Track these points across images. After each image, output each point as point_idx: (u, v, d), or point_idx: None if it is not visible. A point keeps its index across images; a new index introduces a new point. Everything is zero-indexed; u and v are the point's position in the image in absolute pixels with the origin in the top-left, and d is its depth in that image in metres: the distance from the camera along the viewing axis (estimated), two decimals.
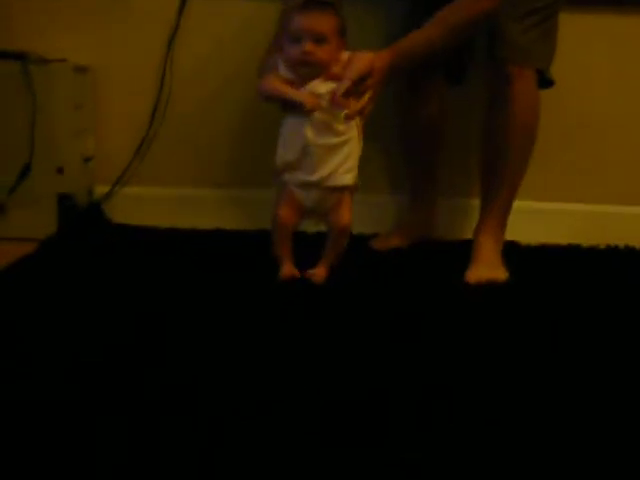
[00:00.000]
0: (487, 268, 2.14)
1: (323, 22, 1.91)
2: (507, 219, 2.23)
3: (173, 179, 2.72)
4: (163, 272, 2.09)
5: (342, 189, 2.00)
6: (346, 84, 1.87)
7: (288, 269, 2.02)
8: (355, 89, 1.89)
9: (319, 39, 1.90)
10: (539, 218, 2.63)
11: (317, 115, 1.93)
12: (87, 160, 2.62)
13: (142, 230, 2.50)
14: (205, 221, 2.59)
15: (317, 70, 1.93)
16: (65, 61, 2.49)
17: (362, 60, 1.89)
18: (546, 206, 2.66)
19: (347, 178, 1.99)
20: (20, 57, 2.40)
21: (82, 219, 2.48)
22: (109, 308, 1.80)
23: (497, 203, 2.20)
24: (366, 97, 1.90)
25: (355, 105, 1.89)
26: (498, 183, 2.19)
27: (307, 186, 1.99)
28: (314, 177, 1.97)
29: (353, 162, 1.99)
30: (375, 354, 1.60)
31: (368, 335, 1.70)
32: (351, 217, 2.04)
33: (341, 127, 1.95)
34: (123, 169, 2.67)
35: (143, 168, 2.69)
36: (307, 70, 1.93)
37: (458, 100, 2.51)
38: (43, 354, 1.54)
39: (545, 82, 2.18)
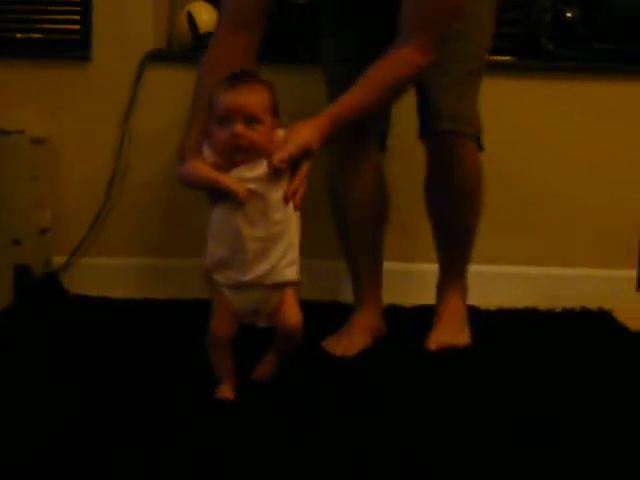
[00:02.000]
0: (449, 332, 2.11)
1: (254, 100, 1.66)
2: (466, 281, 2.23)
3: (130, 249, 2.71)
4: (118, 344, 2.07)
5: (284, 286, 1.72)
6: (283, 155, 1.64)
7: (224, 391, 1.72)
8: (290, 167, 1.68)
9: (251, 119, 1.65)
10: (496, 282, 2.65)
11: (250, 203, 1.66)
12: (44, 231, 2.60)
13: (99, 301, 2.49)
14: (162, 291, 2.58)
15: (251, 155, 1.67)
16: (23, 132, 2.50)
17: (302, 135, 1.67)
18: (503, 269, 2.68)
19: (289, 273, 1.72)
20: None
21: (38, 290, 2.46)
22: (60, 381, 1.79)
23: (455, 266, 2.20)
24: (302, 175, 1.68)
25: (292, 185, 1.67)
26: (453, 249, 2.19)
27: (243, 287, 1.70)
28: (250, 275, 1.69)
29: (294, 253, 1.72)
30: (340, 426, 1.58)
31: (334, 408, 1.68)
32: (300, 314, 1.74)
33: (278, 215, 1.68)
34: (80, 240, 2.66)
35: (100, 239, 2.69)
36: (240, 156, 1.66)
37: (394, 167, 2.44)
38: None
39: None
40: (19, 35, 2.70)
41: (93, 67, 2.65)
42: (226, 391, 1.71)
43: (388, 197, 2.25)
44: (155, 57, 2.63)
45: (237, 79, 1.68)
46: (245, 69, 1.74)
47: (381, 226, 2.24)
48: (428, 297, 2.27)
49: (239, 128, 1.64)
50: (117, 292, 2.56)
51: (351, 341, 2.09)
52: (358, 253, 2.22)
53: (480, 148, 2.10)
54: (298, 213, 1.73)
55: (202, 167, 1.68)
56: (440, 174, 2.10)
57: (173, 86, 2.63)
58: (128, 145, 2.64)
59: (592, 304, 2.52)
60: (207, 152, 1.70)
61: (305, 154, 1.67)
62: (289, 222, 1.71)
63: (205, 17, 2.64)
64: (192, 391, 1.74)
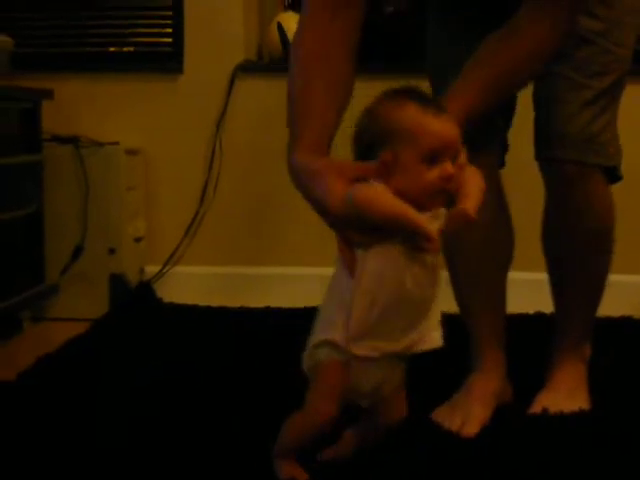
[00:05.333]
0: (563, 396, 1.71)
1: (457, 132, 1.26)
2: (589, 344, 1.80)
3: (222, 258, 2.74)
4: (212, 352, 2.09)
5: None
6: (476, 202, 1.26)
7: (297, 471, 1.37)
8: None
9: (454, 158, 1.25)
10: None
11: (427, 255, 1.27)
12: (138, 240, 2.65)
13: (192, 309, 2.52)
14: (254, 299, 2.60)
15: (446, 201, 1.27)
16: (117, 144, 2.55)
17: (478, 175, 1.29)
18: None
19: (438, 337, 1.33)
20: (73, 141, 2.47)
21: (133, 299, 2.51)
22: (155, 390, 1.80)
23: (577, 327, 1.76)
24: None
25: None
26: (576, 306, 1.75)
27: (382, 359, 1.32)
28: (404, 343, 1.31)
29: (439, 312, 1.35)
30: None
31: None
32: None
33: (439, 269, 1.32)
34: (173, 249, 2.70)
35: (193, 247, 2.73)
36: (438, 202, 1.26)
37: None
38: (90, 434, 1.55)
39: (614, 177, 1.67)
40: (112, 49, 2.77)
41: (185, 79, 2.70)
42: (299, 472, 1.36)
43: (512, 229, 1.77)
44: (246, 68, 2.66)
45: (428, 102, 1.27)
46: (412, 86, 1.32)
47: (505, 270, 1.78)
48: None
49: (452, 168, 1.23)
50: (209, 300, 2.58)
51: (470, 413, 1.64)
52: (475, 305, 1.76)
53: (615, 179, 1.67)
54: None
55: (390, 196, 1.22)
56: (560, 212, 1.69)
57: (263, 97, 2.65)
58: (220, 155, 2.67)
59: (616, 312, 2.43)
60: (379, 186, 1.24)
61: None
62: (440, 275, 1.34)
63: (295, 28, 2.66)
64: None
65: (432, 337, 1.32)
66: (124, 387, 1.82)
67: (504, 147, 1.74)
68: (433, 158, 1.22)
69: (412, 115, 1.23)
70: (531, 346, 2.00)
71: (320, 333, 1.31)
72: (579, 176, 1.61)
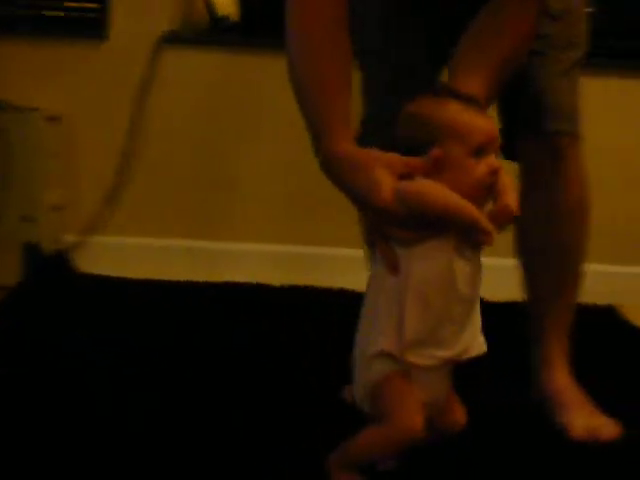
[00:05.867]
0: (586, 414, 1.61)
1: (495, 125, 1.27)
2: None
3: (144, 229, 2.72)
4: (123, 325, 2.08)
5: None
6: (515, 197, 1.24)
7: None
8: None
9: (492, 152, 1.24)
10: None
11: (476, 252, 1.24)
12: (56, 209, 2.61)
13: (108, 280, 2.49)
14: (175, 272, 2.58)
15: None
16: (37, 110, 2.50)
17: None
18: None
19: (483, 342, 1.30)
20: None
21: (46, 268, 2.47)
22: (60, 361, 1.79)
23: (560, 317, 1.70)
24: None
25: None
26: (560, 287, 1.70)
27: (437, 367, 1.27)
28: (458, 348, 1.25)
29: (480, 315, 1.30)
30: None
31: None
32: None
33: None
34: (92, 218, 2.67)
35: (114, 218, 2.70)
36: (483, 199, 1.24)
37: None
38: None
39: None
40: (46, 12, 2.70)
41: (110, 46, 2.65)
42: None
43: None
44: (170, 39, 2.62)
45: (466, 99, 1.26)
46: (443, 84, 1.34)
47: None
48: None
49: (496, 161, 1.22)
50: (129, 272, 2.56)
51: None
52: None
53: None
54: None
55: (447, 190, 1.18)
56: (551, 188, 1.64)
57: (188, 68, 2.63)
58: (142, 125, 2.64)
59: (602, 300, 2.48)
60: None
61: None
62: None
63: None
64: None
65: (479, 342, 1.29)
66: (31, 357, 1.80)
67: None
68: (479, 153, 1.21)
69: (457, 112, 1.22)
70: None
71: (374, 346, 1.24)
72: (571, 147, 1.62)
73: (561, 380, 1.66)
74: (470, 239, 1.20)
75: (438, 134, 1.22)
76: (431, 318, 1.21)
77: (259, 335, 2.04)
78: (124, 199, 2.69)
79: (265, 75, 2.64)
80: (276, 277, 2.53)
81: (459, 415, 1.35)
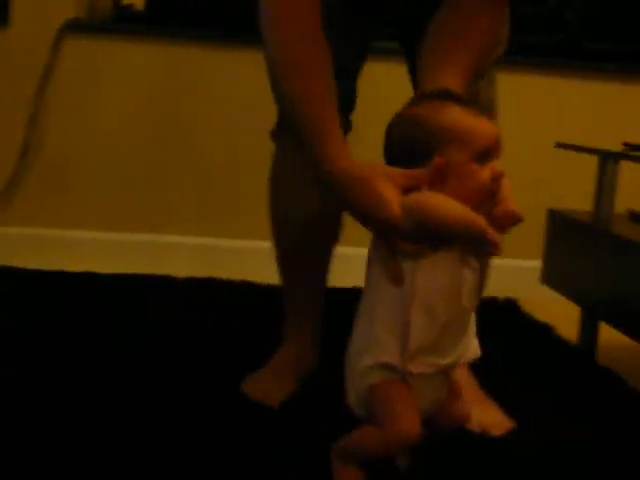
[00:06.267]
0: (482, 408, 1.60)
1: (497, 129, 1.22)
2: None
3: (42, 219, 2.67)
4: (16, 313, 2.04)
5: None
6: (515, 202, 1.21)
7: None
8: None
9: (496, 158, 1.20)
10: None
11: (475, 264, 1.22)
12: None
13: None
14: (72, 263, 2.53)
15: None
16: None
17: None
18: None
19: (477, 346, 1.32)
20: None
21: None
22: None
23: None
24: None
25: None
26: None
27: (434, 374, 1.25)
28: (453, 356, 1.25)
29: (474, 320, 1.31)
30: None
31: None
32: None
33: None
34: None
35: (12, 208, 2.65)
36: (484, 206, 1.18)
37: None
38: None
39: None
40: None
41: (12, 32, 2.59)
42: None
43: None
44: (74, 26, 2.58)
45: (464, 103, 1.22)
46: (442, 89, 1.26)
47: (332, 244, 1.74)
48: None
49: (499, 166, 1.18)
50: (25, 262, 2.50)
51: (273, 384, 1.66)
52: (295, 276, 1.74)
53: None
54: None
55: (455, 202, 1.14)
56: None
57: (91, 56, 2.60)
58: (43, 114, 2.59)
59: (500, 294, 2.56)
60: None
61: None
62: None
63: None
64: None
65: (474, 347, 1.29)
66: None
67: (351, 107, 1.66)
68: (482, 159, 1.16)
69: (458, 117, 1.17)
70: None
71: (370, 357, 1.22)
72: None
73: (458, 374, 1.61)
74: (477, 250, 1.18)
75: (439, 139, 1.17)
76: (435, 328, 1.20)
77: (162, 327, 2.02)
78: (22, 190, 2.63)
79: (168, 64, 2.64)
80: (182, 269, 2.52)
81: (460, 410, 1.33)
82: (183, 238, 2.72)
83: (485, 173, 1.16)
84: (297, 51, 1.30)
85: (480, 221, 1.11)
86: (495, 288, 2.33)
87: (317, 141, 1.26)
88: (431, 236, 1.15)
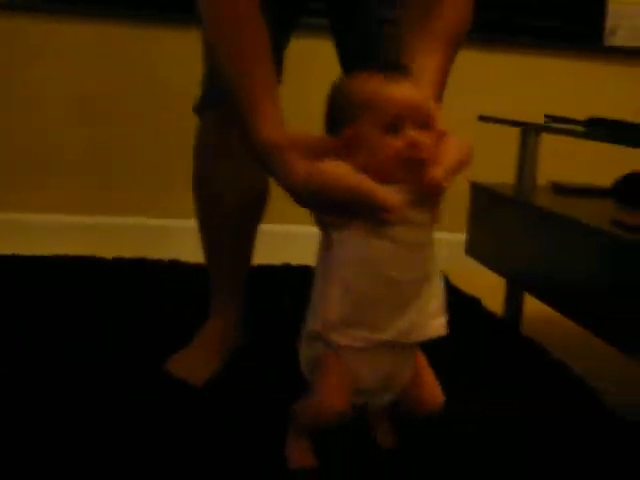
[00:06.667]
0: None
1: (426, 97, 1.20)
2: None
3: None
4: None
5: (417, 346, 1.30)
6: (446, 170, 1.16)
7: (302, 457, 1.31)
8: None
9: (424, 123, 1.17)
10: None
11: (403, 233, 1.18)
12: None
13: None
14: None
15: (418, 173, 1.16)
16: None
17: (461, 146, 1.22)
18: None
19: (439, 325, 1.26)
20: None
21: None
22: None
23: None
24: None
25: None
26: None
27: (376, 349, 1.23)
28: (391, 332, 1.21)
29: (441, 299, 1.27)
30: None
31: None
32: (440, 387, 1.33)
33: (429, 246, 1.24)
34: None
35: None
36: (404, 174, 1.15)
37: None
38: None
39: None
40: None
41: None
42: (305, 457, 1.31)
43: (268, 183, 1.68)
44: (4, 5, 2.53)
45: (391, 67, 1.21)
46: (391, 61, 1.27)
47: (257, 221, 1.75)
48: None
49: (419, 136, 1.15)
50: None
51: (198, 361, 1.65)
52: (220, 252, 1.73)
53: None
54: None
55: (345, 169, 1.14)
56: None
57: (22, 36, 2.58)
58: None
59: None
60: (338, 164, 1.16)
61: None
62: (435, 260, 1.25)
63: None
64: None
65: (431, 325, 1.24)
66: None
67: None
68: (396, 127, 1.14)
69: (371, 86, 1.16)
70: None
71: (308, 325, 1.24)
72: None
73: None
74: (374, 219, 1.14)
75: (353, 109, 1.17)
76: (354, 300, 1.18)
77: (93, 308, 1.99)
78: None
79: (100, 44, 2.61)
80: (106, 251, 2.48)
81: (429, 396, 1.30)
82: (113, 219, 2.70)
83: (396, 143, 1.14)
84: (234, 30, 1.30)
85: (368, 186, 1.11)
86: None
87: (248, 112, 1.26)
88: (328, 205, 1.15)
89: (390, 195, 1.11)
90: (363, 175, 1.13)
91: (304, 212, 1.22)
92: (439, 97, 1.31)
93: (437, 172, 1.14)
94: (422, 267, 1.21)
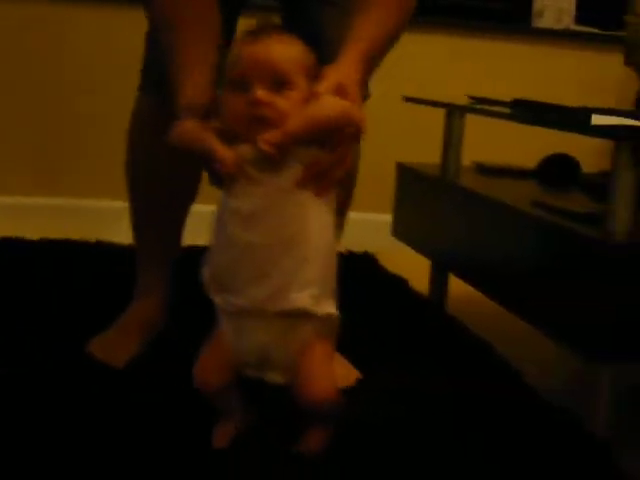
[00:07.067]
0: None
1: (284, 55, 1.16)
2: None
3: None
4: None
5: (304, 324, 1.20)
6: (274, 136, 1.12)
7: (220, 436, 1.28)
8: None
9: (279, 83, 1.15)
10: None
11: (250, 194, 1.16)
12: None
13: None
14: None
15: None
16: None
17: (325, 108, 1.16)
18: None
19: (300, 299, 1.18)
20: None
21: None
22: None
23: None
24: (340, 149, 1.18)
25: (315, 165, 1.17)
26: None
27: (243, 316, 1.20)
28: (243, 298, 1.18)
29: (311, 273, 1.18)
30: None
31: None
32: (330, 377, 1.23)
33: (287, 214, 1.16)
34: None
35: None
36: (260, 133, 1.12)
37: None
38: None
39: None
40: None
41: None
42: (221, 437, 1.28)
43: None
44: None
45: (261, 31, 1.18)
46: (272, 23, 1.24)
47: (188, 203, 1.73)
48: None
49: (261, 93, 1.12)
50: None
51: (118, 343, 1.62)
52: (147, 231, 1.71)
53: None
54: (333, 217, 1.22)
55: (190, 128, 1.17)
56: None
57: None
58: None
59: (355, 248, 2.55)
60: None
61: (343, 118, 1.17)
62: (305, 226, 1.17)
63: None
64: None
65: (295, 297, 1.17)
66: None
67: None
68: (245, 85, 1.14)
69: (239, 47, 1.17)
70: None
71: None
72: None
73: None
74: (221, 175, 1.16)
75: (225, 70, 1.18)
76: (218, 262, 1.20)
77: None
78: None
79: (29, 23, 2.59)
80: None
81: (312, 389, 1.20)
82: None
83: (238, 101, 1.14)
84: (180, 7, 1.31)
85: (206, 142, 1.14)
86: (350, 242, 2.36)
87: (180, 85, 1.26)
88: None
89: (226, 153, 1.12)
90: (211, 133, 1.15)
91: None
92: (367, 52, 1.28)
93: (270, 134, 1.12)
94: (276, 232, 1.16)
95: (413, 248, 2.18)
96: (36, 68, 2.61)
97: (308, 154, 1.16)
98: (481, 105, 2.00)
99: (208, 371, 1.24)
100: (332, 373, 1.24)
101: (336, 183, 1.20)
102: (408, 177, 2.22)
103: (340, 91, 1.18)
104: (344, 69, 1.23)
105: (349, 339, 1.69)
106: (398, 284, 2.28)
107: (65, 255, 2.28)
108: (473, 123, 2.18)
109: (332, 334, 1.25)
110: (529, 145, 2.58)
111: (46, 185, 2.66)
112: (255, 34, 1.18)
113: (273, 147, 1.11)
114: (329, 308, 1.22)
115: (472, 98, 2.08)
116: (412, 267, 2.33)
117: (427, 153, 2.38)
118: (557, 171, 2.13)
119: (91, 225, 2.52)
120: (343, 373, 1.56)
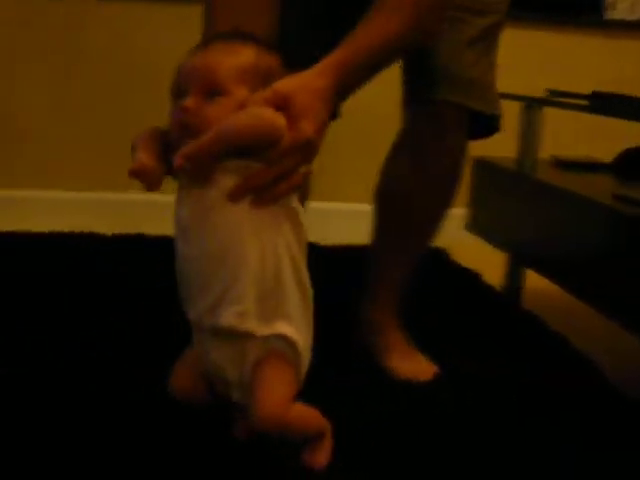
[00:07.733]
0: (408, 357, 1.63)
1: (219, 62, 1.11)
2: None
3: None
4: None
5: (241, 337, 1.13)
6: (189, 149, 1.06)
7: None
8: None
9: (213, 91, 1.10)
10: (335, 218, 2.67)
11: (182, 204, 1.14)
12: None
13: None
14: None
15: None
16: None
17: (238, 120, 1.09)
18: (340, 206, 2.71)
19: (227, 317, 1.12)
20: None
21: None
22: None
23: (400, 270, 1.66)
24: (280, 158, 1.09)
25: (251, 177, 1.09)
26: (408, 244, 1.65)
27: (200, 330, 1.17)
28: (193, 312, 1.16)
29: (244, 287, 1.11)
30: None
31: None
32: (283, 401, 1.14)
33: (222, 224, 1.10)
34: None
35: None
36: (186, 140, 1.07)
37: None
38: None
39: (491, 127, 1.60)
40: None
41: None
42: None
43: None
44: None
45: (210, 41, 1.16)
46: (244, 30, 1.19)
47: None
48: None
49: (188, 101, 1.09)
50: None
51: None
52: None
53: (492, 129, 1.60)
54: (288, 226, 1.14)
55: (143, 133, 1.14)
56: (421, 153, 1.57)
57: None
58: None
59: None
60: None
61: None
62: (238, 240, 1.10)
63: None
64: None
65: (217, 314, 1.12)
66: None
67: None
68: (180, 94, 1.11)
69: (188, 56, 1.14)
70: None
71: None
72: (458, 120, 1.53)
73: (386, 323, 1.66)
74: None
75: None
76: (177, 268, 1.16)
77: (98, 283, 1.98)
78: None
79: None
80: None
81: (255, 411, 1.13)
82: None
83: (172, 110, 1.12)
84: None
85: (135, 152, 1.10)
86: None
87: None
88: None
89: (141, 166, 1.07)
90: (153, 141, 1.12)
91: None
92: (347, 63, 1.20)
93: (186, 147, 1.06)
94: (207, 245, 1.11)
95: (490, 242, 2.17)
96: (107, 65, 2.66)
97: (240, 166, 1.09)
98: (559, 98, 1.99)
99: (182, 379, 1.23)
100: (280, 396, 1.14)
101: (278, 198, 1.11)
102: (484, 171, 2.21)
103: (283, 101, 1.10)
104: (306, 77, 1.15)
105: (426, 334, 1.73)
106: (472, 278, 2.28)
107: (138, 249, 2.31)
108: (550, 116, 2.17)
109: (286, 355, 1.15)
110: (605, 139, 2.55)
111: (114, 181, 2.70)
112: (204, 45, 1.15)
113: (186, 161, 1.05)
114: (271, 329, 1.13)
115: (550, 91, 2.07)
116: (485, 261, 2.32)
117: (499, 147, 2.37)
118: (634, 164, 2.11)
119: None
120: (422, 368, 1.59)
